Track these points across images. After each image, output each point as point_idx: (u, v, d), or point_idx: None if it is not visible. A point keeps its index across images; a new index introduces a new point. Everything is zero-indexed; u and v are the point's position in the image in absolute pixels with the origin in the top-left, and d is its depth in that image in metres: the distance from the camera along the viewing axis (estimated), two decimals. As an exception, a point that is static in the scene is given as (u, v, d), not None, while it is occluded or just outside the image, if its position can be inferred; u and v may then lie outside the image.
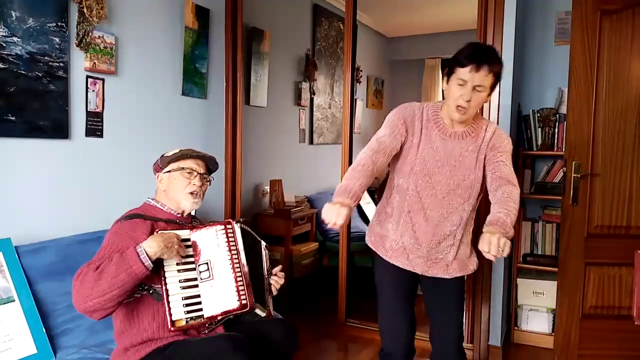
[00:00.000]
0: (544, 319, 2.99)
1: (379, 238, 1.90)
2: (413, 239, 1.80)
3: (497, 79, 1.66)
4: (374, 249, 1.92)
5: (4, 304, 1.79)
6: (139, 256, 1.52)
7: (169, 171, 1.83)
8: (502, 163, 1.70)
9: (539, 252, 3.08)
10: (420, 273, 1.84)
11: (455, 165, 1.74)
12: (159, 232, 1.66)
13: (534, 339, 3.00)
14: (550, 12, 3.11)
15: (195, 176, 1.84)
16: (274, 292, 1.97)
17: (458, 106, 1.65)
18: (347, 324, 3.13)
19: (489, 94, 1.68)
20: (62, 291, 1.92)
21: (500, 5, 2.60)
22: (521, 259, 3.05)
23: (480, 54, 1.62)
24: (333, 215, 1.49)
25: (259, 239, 1.96)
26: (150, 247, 1.55)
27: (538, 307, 3.00)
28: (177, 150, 1.85)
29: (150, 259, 1.53)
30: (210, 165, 1.94)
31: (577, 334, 2.67)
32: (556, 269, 2.75)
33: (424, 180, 1.75)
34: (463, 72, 1.62)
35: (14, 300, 1.81)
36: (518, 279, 3.04)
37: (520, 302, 3.04)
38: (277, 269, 1.99)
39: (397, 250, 1.84)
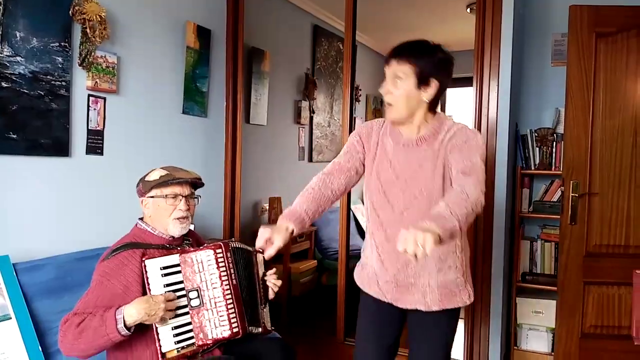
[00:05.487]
0: (544, 339, 2.97)
1: (360, 268, 1.80)
2: (379, 262, 1.67)
3: (419, 66, 1.55)
4: (356, 280, 1.80)
5: (0, 321, 1.78)
6: (117, 324, 1.51)
7: (152, 196, 1.77)
8: (460, 160, 1.51)
9: (538, 271, 3.07)
10: (391, 302, 1.67)
11: (411, 176, 1.59)
12: (147, 295, 1.61)
13: (533, 358, 2.97)
14: (546, 33, 3.15)
15: (181, 200, 1.78)
16: (272, 296, 1.91)
17: (387, 103, 1.60)
18: (346, 344, 3.10)
19: (420, 87, 1.56)
20: (59, 309, 1.91)
21: (497, 27, 2.63)
22: (520, 278, 3.04)
23: (392, 51, 1.63)
24: (261, 241, 1.46)
25: (251, 249, 1.87)
26: (130, 315, 1.54)
27: (538, 327, 2.97)
28: (158, 176, 1.77)
29: (128, 328, 1.53)
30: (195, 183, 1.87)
31: (576, 354, 2.65)
32: (555, 288, 2.74)
33: (379, 197, 1.64)
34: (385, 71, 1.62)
35: (10, 318, 1.80)
36: (517, 298, 3.02)
37: (519, 322, 3.01)
38: (270, 272, 1.93)
39: (371, 278, 1.71)
